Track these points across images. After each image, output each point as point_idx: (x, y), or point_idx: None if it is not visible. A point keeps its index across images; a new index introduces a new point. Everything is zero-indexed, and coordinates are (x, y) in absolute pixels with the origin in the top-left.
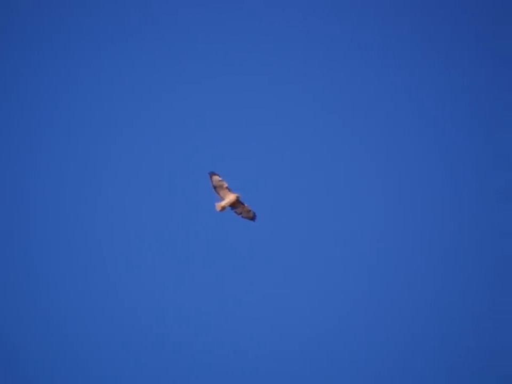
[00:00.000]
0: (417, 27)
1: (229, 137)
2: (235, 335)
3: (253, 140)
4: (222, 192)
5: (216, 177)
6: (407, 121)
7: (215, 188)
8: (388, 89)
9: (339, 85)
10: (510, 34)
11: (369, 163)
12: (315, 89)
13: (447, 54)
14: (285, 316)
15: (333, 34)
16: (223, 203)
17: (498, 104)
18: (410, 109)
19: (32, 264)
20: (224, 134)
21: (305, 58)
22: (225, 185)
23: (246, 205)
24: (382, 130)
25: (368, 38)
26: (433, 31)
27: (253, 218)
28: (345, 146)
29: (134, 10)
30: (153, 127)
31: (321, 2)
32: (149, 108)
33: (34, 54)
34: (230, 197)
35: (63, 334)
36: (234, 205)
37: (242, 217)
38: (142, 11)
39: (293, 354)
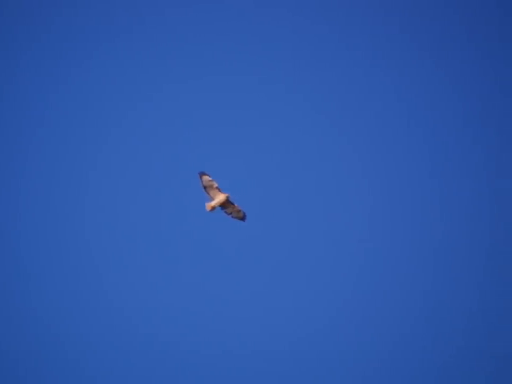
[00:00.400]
0: (416, 26)
1: (218, 137)
2: (225, 335)
3: (243, 140)
4: (212, 192)
5: (206, 177)
6: (397, 120)
7: (205, 187)
8: (378, 89)
9: (328, 84)
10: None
11: (358, 162)
12: (304, 89)
13: (443, 53)
14: (274, 315)
15: (323, 33)
16: (213, 203)
17: (499, 103)
18: (400, 108)
19: (22, 265)
20: (214, 134)
21: (294, 58)
22: (215, 185)
23: (236, 205)
24: (372, 130)
25: (361, 37)
26: (431, 30)
27: (243, 218)
28: (334, 146)
29: (123, 10)
30: (143, 126)
31: (312, 2)
32: (138, 108)
33: (27, 53)
34: (220, 197)
35: (55, 333)
36: (224, 205)
37: (232, 217)
38: (132, 10)
39: (282, 354)
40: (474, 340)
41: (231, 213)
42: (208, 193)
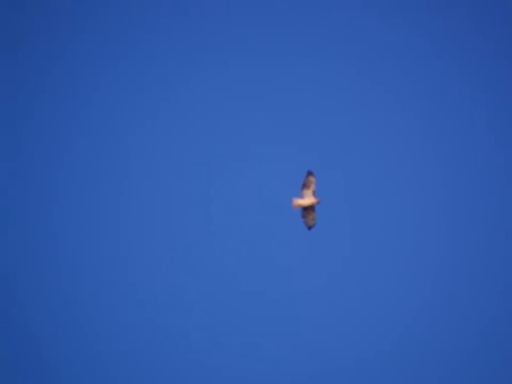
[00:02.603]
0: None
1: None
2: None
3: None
4: (305, 192)
5: (311, 178)
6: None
7: (303, 185)
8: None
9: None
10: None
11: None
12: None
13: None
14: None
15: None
16: (303, 202)
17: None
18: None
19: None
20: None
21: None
22: (313, 188)
23: (315, 213)
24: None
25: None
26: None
27: (311, 227)
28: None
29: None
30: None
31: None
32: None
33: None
34: (311, 200)
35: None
36: (307, 208)
37: (303, 221)
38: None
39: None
40: (475, 340)
41: (306, 217)
42: (301, 191)
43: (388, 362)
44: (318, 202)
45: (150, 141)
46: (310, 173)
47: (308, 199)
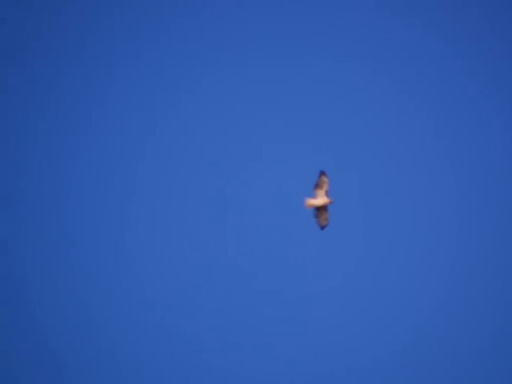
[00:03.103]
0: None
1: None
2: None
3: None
4: (318, 192)
5: (324, 178)
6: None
7: (316, 185)
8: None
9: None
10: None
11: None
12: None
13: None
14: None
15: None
16: (316, 202)
17: None
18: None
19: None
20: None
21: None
22: (326, 188)
23: (328, 213)
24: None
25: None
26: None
27: (323, 227)
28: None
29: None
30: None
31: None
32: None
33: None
34: (324, 200)
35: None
36: (320, 208)
37: (316, 221)
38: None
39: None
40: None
41: (318, 217)
42: (313, 191)
43: (401, 363)
44: (330, 202)
45: (166, 141)
46: (322, 173)
47: (320, 199)
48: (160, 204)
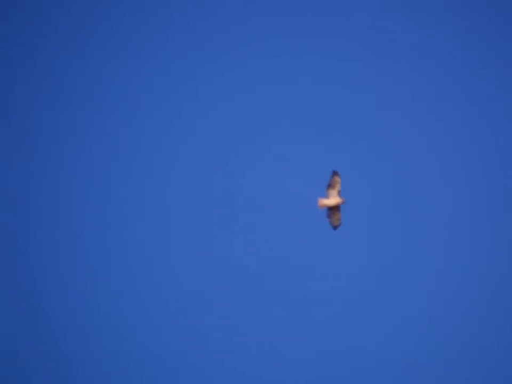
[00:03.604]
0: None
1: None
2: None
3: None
4: (331, 192)
5: (337, 178)
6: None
7: (329, 185)
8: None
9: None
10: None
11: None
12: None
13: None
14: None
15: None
16: (329, 202)
17: None
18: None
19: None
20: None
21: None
22: (339, 188)
23: (340, 213)
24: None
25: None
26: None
27: (336, 227)
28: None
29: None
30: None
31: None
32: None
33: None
34: (336, 200)
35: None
36: (333, 208)
37: (329, 221)
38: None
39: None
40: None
41: (331, 217)
42: (326, 191)
43: (410, 363)
44: (343, 202)
45: (175, 141)
46: (335, 173)
47: (333, 199)
48: (171, 203)
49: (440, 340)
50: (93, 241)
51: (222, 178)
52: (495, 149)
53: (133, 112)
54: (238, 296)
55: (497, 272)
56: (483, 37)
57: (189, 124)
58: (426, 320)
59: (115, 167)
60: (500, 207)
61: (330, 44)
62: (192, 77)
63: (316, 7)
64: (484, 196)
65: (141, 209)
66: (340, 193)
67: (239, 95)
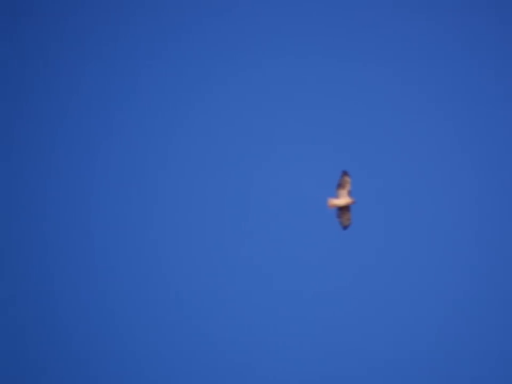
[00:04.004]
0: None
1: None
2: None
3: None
4: (341, 192)
5: (347, 178)
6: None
7: (339, 185)
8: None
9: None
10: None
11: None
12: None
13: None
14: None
15: None
16: (339, 202)
17: None
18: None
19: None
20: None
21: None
22: (349, 188)
23: (350, 213)
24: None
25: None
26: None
27: (346, 227)
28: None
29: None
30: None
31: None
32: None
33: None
34: (346, 200)
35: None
36: (342, 208)
37: (338, 220)
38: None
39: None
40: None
41: (341, 217)
42: (336, 191)
43: (418, 364)
44: (353, 202)
45: (185, 141)
46: (345, 173)
47: (343, 199)
48: (181, 204)
49: (449, 341)
50: (102, 241)
51: (233, 178)
52: (505, 150)
53: (145, 113)
54: (248, 295)
55: (506, 272)
56: (490, 36)
57: (199, 125)
58: (435, 320)
59: (126, 167)
60: (509, 209)
61: (341, 44)
62: (205, 77)
63: (328, 7)
64: (494, 197)
65: (151, 210)
66: (350, 193)
67: (250, 96)
